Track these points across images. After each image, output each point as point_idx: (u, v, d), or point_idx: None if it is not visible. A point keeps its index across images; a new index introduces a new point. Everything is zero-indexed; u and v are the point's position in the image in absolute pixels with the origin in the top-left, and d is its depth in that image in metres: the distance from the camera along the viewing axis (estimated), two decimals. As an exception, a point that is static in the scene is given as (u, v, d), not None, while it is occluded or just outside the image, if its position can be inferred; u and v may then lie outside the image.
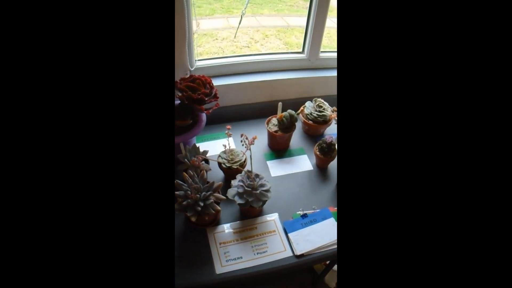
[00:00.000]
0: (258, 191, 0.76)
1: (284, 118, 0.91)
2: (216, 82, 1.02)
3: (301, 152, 0.99)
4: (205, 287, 0.70)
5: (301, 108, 0.95)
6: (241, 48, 2.20)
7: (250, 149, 0.77)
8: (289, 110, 0.93)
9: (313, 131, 1.02)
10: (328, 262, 1.13)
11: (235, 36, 2.26)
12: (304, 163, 0.96)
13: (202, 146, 0.96)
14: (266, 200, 0.78)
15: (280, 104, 0.94)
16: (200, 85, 0.83)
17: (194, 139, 0.93)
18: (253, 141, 0.82)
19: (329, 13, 1.00)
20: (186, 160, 0.80)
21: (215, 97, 0.85)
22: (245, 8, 1.97)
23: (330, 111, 0.97)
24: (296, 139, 1.04)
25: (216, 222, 0.80)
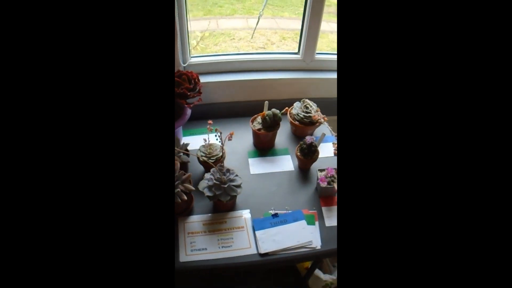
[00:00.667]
0: (226, 185, 0.77)
1: (267, 117, 0.91)
2: (209, 79, 1.05)
3: (285, 152, 0.99)
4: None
5: (286, 108, 0.95)
6: (256, 49, 2.23)
7: (223, 144, 0.78)
8: (273, 109, 0.93)
9: (300, 132, 1.01)
10: (310, 265, 1.11)
11: (252, 37, 2.29)
12: (286, 163, 0.96)
13: (189, 139, 0.99)
14: (235, 195, 0.79)
15: (266, 102, 0.95)
16: (185, 81, 0.86)
17: (179, 132, 0.97)
18: (231, 137, 0.83)
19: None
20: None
21: (199, 92, 0.88)
22: (262, 10, 2.00)
23: (313, 111, 0.95)
24: (283, 139, 1.03)
25: (188, 212, 0.83)
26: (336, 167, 0.86)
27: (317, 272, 1.14)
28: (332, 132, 0.92)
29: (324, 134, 0.88)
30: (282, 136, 1.04)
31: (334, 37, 1.87)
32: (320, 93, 1.11)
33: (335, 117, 1.15)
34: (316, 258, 0.89)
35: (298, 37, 2.52)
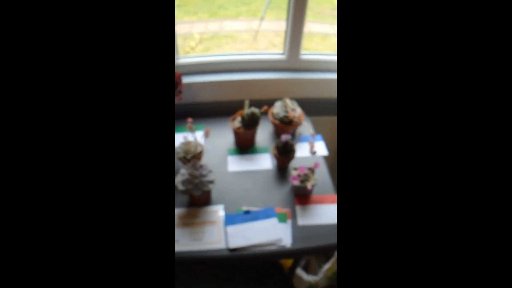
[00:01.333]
0: (198, 180, 0.80)
1: (245, 115, 0.93)
2: (196, 79, 1.08)
3: (265, 151, 1.00)
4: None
5: (265, 107, 0.96)
6: (258, 51, 2.25)
7: (195, 140, 0.81)
8: (252, 108, 0.95)
9: (281, 131, 1.02)
10: (291, 264, 1.11)
11: (254, 39, 2.32)
12: (264, 162, 0.97)
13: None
14: (208, 191, 0.81)
15: (246, 101, 0.97)
16: (166, 79, 0.90)
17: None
18: (207, 134, 0.86)
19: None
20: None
21: (179, 92, 0.91)
22: (264, 12, 2.02)
23: (290, 110, 0.96)
24: (265, 138, 1.04)
25: (164, 206, 0.86)
26: (310, 166, 0.87)
27: (300, 272, 1.14)
28: (311, 131, 0.92)
29: (300, 134, 0.89)
30: (265, 135, 1.05)
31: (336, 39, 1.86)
32: (306, 93, 1.11)
33: (320, 118, 1.15)
34: (286, 256, 0.89)
35: (307, 38, 2.50)
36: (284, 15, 2.74)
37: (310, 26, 2.45)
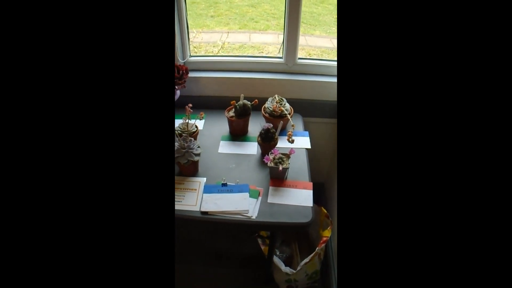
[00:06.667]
0: (184, 150, 0.94)
1: (237, 105, 1.07)
2: (204, 75, 1.26)
3: (254, 140, 1.12)
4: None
5: (255, 100, 1.09)
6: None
7: (189, 119, 0.96)
8: (244, 100, 1.08)
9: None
10: (267, 252, 1.18)
11: (278, 52, 2.48)
12: (251, 148, 1.09)
13: (178, 122, 1.20)
14: (192, 160, 0.95)
15: (242, 95, 1.11)
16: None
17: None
18: (201, 116, 1.01)
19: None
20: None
21: (183, 81, 1.09)
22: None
23: (274, 102, 1.08)
24: (258, 130, 1.16)
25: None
26: (285, 152, 0.97)
27: (278, 262, 1.20)
28: (291, 123, 1.03)
29: (281, 123, 1.00)
30: (258, 127, 1.17)
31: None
32: (300, 94, 1.22)
33: (312, 119, 1.25)
34: (249, 228, 0.97)
35: (324, 55, 2.62)
36: (312, 30, 2.84)
37: (335, 42, 2.56)
